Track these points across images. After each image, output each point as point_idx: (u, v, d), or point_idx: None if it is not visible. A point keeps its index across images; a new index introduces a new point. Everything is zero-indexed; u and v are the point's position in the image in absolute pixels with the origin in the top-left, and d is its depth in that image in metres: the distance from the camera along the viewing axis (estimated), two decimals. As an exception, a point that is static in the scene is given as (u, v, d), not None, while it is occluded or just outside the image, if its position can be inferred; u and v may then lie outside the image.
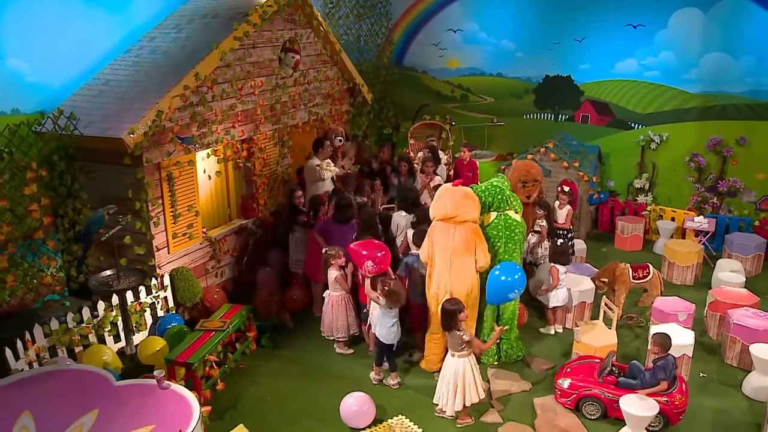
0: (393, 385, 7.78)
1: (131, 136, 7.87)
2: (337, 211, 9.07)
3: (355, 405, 7.09)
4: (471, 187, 8.07)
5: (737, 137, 11.78)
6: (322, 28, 11.07)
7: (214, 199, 10.15)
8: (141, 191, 8.36)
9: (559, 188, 10.38)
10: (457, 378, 6.92)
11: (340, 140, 11.00)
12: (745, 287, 9.64)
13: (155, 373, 6.51)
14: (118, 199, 8.20)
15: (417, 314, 8.22)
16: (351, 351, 8.57)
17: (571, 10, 12.46)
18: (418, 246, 8.08)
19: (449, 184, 8.03)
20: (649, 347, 7.38)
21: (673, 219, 11.95)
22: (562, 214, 10.20)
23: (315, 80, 11.30)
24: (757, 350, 7.60)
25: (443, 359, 7.30)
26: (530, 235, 9.71)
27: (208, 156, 9.69)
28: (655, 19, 11.94)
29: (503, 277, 7.57)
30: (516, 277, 7.59)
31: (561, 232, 10.15)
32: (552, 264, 8.82)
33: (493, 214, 7.95)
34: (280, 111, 10.55)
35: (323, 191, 10.22)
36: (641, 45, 12.17)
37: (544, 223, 9.67)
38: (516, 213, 8.00)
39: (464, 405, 6.98)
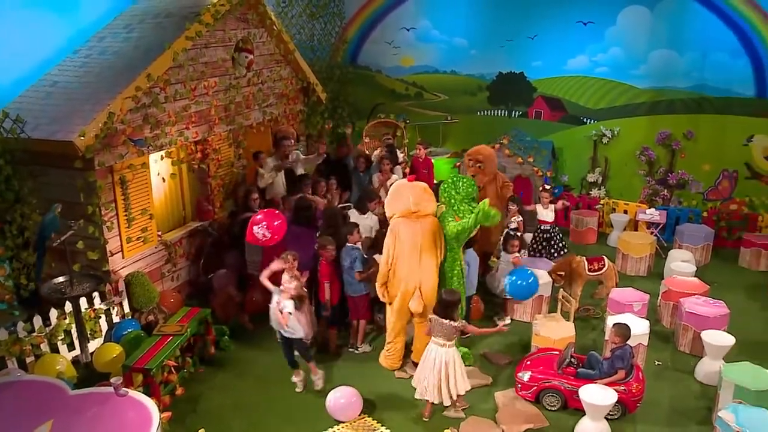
0: (316, 381, 7.73)
1: (81, 138, 7.68)
2: (296, 214, 9.01)
3: (342, 398, 7.16)
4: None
5: (684, 131, 12.09)
6: (275, 28, 10.99)
7: (168, 202, 9.99)
8: (93, 195, 8.18)
9: (541, 188, 10.58)
10: (448, 368, 6.91)
11: (290, 142, 10.86)
12: (695, 276, 9.91)
13: (112, 380, 6.37)
14: (70, 203, 8.03)
15: (354, 307, 8.48)
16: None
17: (523, 8, 12.62)
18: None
19: (403, 180, 8.03)
20: (607, 337, 7.52)
21: (625, 212, 12.20)
22: (549, 212, 10.32)
23: (269, 80, 11.20)
24: (708, 336, 7.82)
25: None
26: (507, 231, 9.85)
27: (162, 158, 9.53)
28: (604, 16, 12.19)
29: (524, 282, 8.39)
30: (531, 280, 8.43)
31: (549, 228, 10.34)
32: (515, 255, 8.92)
33: (442, 208, 8.01)
34: (235, 111, 10.43)
35: (276, 192, 10.14)
36: (591, 42, 12.41)
37: (520, 218, 9.85)
38: (461, 217, 7.89)
39: (458, 394, 7.03)
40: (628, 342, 7.33)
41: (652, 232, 11.41)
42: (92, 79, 8.84)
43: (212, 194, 10.33)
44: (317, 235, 8.69)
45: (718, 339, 7.80)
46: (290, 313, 7.36)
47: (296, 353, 7.76)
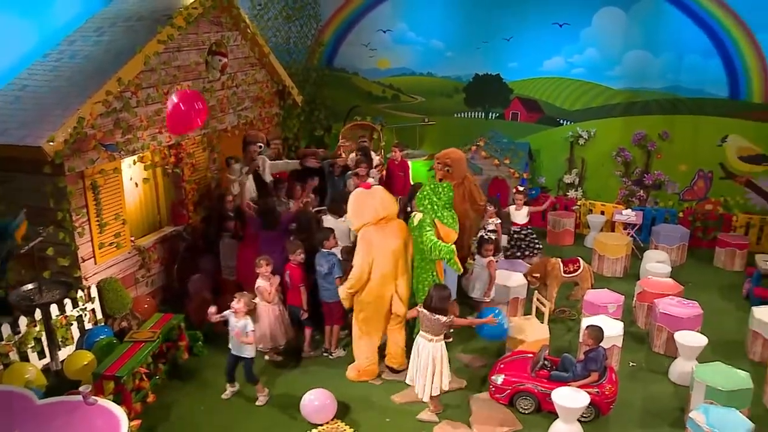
0: (260, 398, 7.68)
1: (51, 144, 7.58)
2: (260, 218, 8.98)
3: (316, 401, 7.16)
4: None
5: (660, 131, 12.15)
6: (249, 31, 10.91)
7: (143, 207, 9.91)
8: (63, 201, 8.08)
9: (515, 189, 10.57)
10: (436, 362, 6.96)
11: (260, 146, 10.77)
12: (671, 276, 9.96)
13: (81, 388, 6.31)
14: (40, 209, 7.95)
15: (329, 312, 8.48)
16: (280, 357, 8.49)
17: (499, 10, 12.61)
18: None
19: (360, 189, 7.97)
20: (581, 339, 7.53)
21: (602, 213, 12.25)
22: (522, 214, 10.37)
23: (244, 83, 11.13)
24: (681, 337, 7.86)
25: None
26: (484, 234, 9.87)
27: (134, 163, 9.44)
28: (579, 17, 12.21)
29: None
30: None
31: (520, 229, 10.38)
32: (490, 258, 8.92)
33: (419, 215, 7.97)
34: (209, 115, 10.33)
35: (248, 197, 10.08)
36: (567, 43, 12.42)
37: (498, 220, 9.89)
38: (442, 225, 7.89)
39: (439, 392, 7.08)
40: (601, 344, 7.37)
41: (628, 233, 11.46)
42: (62, 83, 8.71)
43: (187, 198, 10.26)
44: (290, 239, 8.65)
45: (691, 340, 7.84)
46: (254, 330, 7.38)
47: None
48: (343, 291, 7.88)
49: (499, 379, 7.37)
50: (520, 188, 10.51)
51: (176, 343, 8.46)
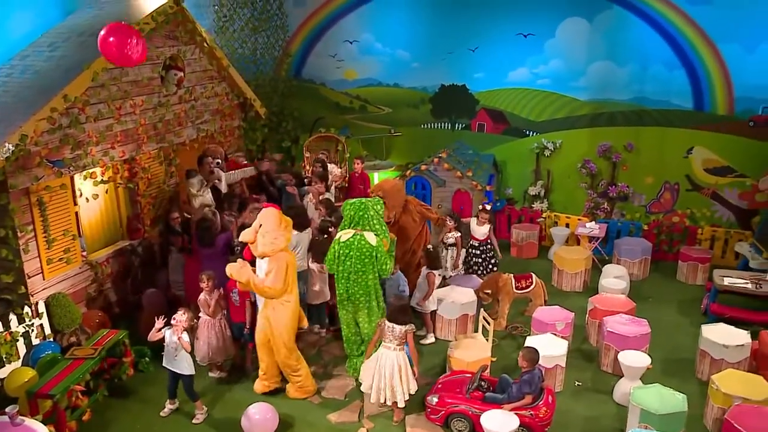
0: (198, 415, 7.63)
1: (-9, 161, 7.55)
2: (197, 234, 8.94)
3: (257, 414, 7.11)
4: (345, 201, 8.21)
5: (625, 143, 12.03)
6: (206, 44, 10.85)
7: (104, 219, 9.89)
8: (6, 218, 8.03)
9: (481, 207, 10.52)
10: (402, 369, 7.18)
11: (218, 162, 10.71)
12: (630, 291, 9.89)
13: (8, 408, 6.29)
14: (-18, 226, 7.90)
15: None
16: (224, 374, 8.43)
17: (463, 20, 12.51)
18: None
19: (269, 210, 7.78)
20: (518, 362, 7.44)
21: (567, 225, 12.15)
22: (482, 230, 10.30)
23: (202, 96, 11.08)
24: (625, 357, 7.75)
25: None
26: (443, 248, 9.95)
27: (85, 179, 9.40)
28: (543, 28, 12.10)
29: None
30: None
31: (478, 245, 10.30)
32: (428, 270, 8.88)
33: (351, 232, 7.90)
34: (164, 129, 10.31)
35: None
36: (532, 53, 12.31)
37: (458, 233, 9.89)
38: (376, 237, 7.87)
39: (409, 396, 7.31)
40: (542, 363, 7.28)
41: (593, 246, 11.36)
42: (9, 99, 8.70)
43: (142, 213, 10.22)
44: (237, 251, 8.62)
45: (634, 360, 7.72)
46: (187, 341, 7.32)
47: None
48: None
49: (434, 399, 7.29)
50: (487, 206, 10.43)
51: (121, 359, 8.41)
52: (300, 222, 8.99)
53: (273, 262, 7.43)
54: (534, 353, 7.10)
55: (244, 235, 7.70)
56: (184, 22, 10.39)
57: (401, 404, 7.28)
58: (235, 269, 7.56)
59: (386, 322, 7.28)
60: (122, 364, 8.40)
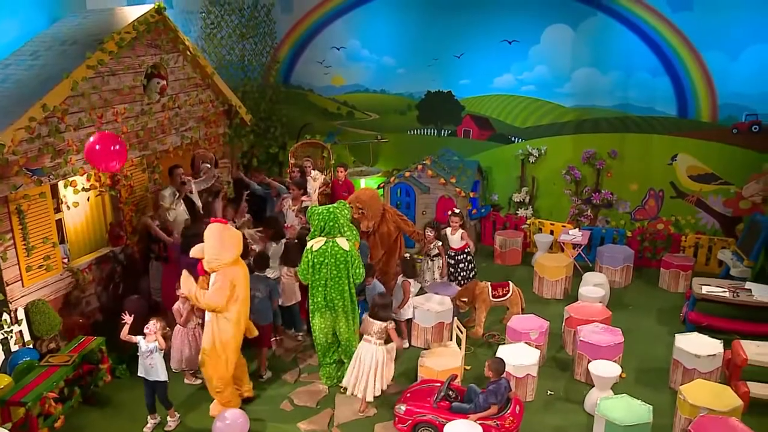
0: (170, 422, 7.68)
1: (-32, 170, 7.63)
2: (182, 242, 8.97)
3: (228, 419, 7.19)
4: (311, 209, 8.21)
5: (609, 150, 12.03)
6: (189, 52, 10.91)
7: (91, 225, 9.95)
8: (-17, 227, 8.13)
9: (449, 212, 10.32)
10: (379, 364, 7.54)
11: (208, 166, 10.77)
12: (612, 299, 9.87)
13: (-21, 417, 6.35)
14: (-42, 235, 7.98)
15: (262, 334, 8.39)
16: (199, 381, 8.48)
17: (449, 27, 12.55)
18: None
19: (217, 225, 7.72)
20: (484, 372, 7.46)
21: (551, 232, 12.14)
22: (455, 238, 10.11)
23: (186, 104, 11.12)
24: (595, 367, 7.75)
25: None
26: (428, 260, 9.93)
27: (65, 187, 9.47)
28: (528, 34, 12.14)
29: None
30: None
31: (454, 254, 10.13)
32: (404, 278, 8.92)
33: (323, 240, 7.94)
34: (147, 137, 10.36)
35: (179, 223, 10.09)
36: (517, 60, 12.35)
37: (439, 243, 9.86)
38: (348, 241, 7.97)
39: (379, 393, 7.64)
40: (514, 373, 7.29)
41: (577, 253, 11.35)
42: (-11, 108, 8.78)
43: (124, 220, 10.28)
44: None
45: (605, 370, 7.71)
46: (162, 349, 7.36)
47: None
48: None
49: (402, 408, 7.31)
50: (456, 210, 10.32)
51: (98, 366, 8.47)
52: (276, 232, 9.04)
53: (218, 277, 7.43)
54: (500, 363, 7.12)
55: (194, 251, 7.75)
56: (166, 31, 10.43)
57: (369, 398, 7.59)
58: (181, 280, 7.62)
59: (367, 317, 7.69)
60: (99, 371, 8.45)
